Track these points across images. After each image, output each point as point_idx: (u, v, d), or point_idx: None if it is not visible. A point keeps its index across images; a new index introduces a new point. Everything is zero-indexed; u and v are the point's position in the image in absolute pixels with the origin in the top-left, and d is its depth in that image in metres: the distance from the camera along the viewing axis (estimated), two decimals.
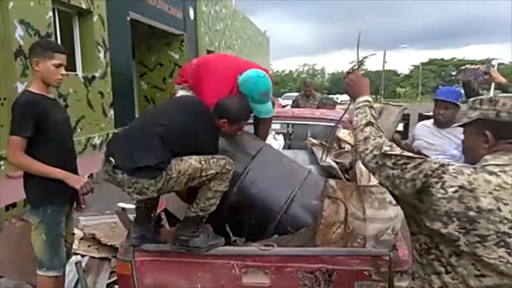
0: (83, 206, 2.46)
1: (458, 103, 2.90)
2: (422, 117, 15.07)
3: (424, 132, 3.09)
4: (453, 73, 68.19)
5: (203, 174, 1.96)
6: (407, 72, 72.83)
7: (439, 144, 2.96)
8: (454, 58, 68.72)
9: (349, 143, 3.13)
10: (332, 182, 1.96)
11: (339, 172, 2.59)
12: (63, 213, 2.30)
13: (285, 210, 2.18)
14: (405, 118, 15.43)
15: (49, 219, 2.20)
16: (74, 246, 3.06)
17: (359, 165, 2.57)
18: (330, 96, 17.19)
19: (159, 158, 1.89)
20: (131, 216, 2.46)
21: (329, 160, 2.68)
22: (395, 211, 1.91)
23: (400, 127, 14.78)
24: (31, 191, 2.22)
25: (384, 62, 52.13)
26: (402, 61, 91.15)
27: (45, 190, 2.18)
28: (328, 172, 2.69)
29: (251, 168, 2.25)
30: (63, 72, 2.23)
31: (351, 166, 2.74)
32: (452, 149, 2.90)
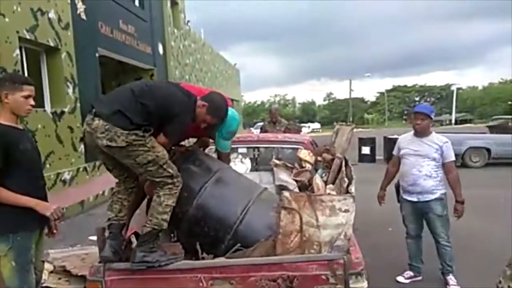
0: (54, 231, 2.52)
1: (431, 115, 3.49)
2: (387, 140, 15.65)
3: (407, 142, 3.62)
4: (417, 99, 71.56)
5: (164, 166, 2.16)
6: (373, 99, 75.71)
7: (423, 149, 3.48)
8: (416, 84, 72.32)
9: (309, 162, 3.36)
10: (286, 193, 2.14)
11: (296, 189, 2.80)
12: (33, 240, 2.34)
13: (240, 220, 2.35)
14: (371, 142, 15.93)
15: (19, 245, 2.23)
16: (44, 279, 3.05)
17: (316, 181, 2.79)
18: (302, 124, 17.76)
19: (138, 118, 2.10)
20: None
21: (286, 179, 2.89)
22: (345, 218, 2.10)
23: (367, 150, 15.25)
24: (0, 219, 2.24)
25: (351, 90, 54.20)
26: (368, 89, 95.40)
27: (14, 217, 2.22)
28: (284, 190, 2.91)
29: (210, 185, 2.44)
30: (32, 102, 2.33)
31: (310, 183, 2.95)
32: (433, 153, 3.45)
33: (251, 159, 4.17)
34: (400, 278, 3.74)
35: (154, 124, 2.17)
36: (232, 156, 4.07)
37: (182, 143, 2.78)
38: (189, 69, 21.06)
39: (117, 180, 2.41)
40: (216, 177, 2.49)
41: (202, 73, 24.36)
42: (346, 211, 2.11)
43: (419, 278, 3.73)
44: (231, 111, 2.60)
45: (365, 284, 2.13)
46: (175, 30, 18.82)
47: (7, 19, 7.29)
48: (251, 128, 31.94)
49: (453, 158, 3.51)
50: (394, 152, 3.74)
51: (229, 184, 2.56)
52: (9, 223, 2.24)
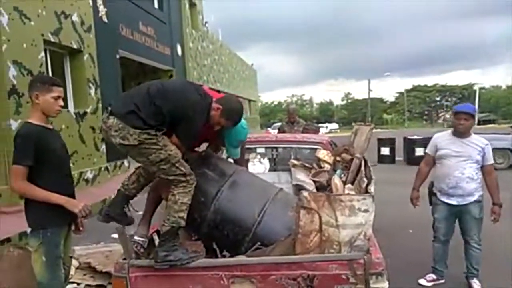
0: (81, 228, 2.61)
1: (474, 114, 3.37)
2: (407, 141, 15.44)
3: (447, 142, 3.48)
4: (438, 99, 70.10)
5: (177, 165, 2.20)
6: (392, 99, 74.48)
7: (466, 151, 3.36)
8: (437, 84, 70.73)
9: (327, 162, 3.37)
10: (305, 193, 2.16)
11: (313, 189, 2.82)
12: (62, 236, 2.43)
13: (258, 222, 2.38)
14: (391, 143, 15.69)
15: (49, 241, 2.33)
16: (71, 274, 3.15)
17: (335, 181, 2.79)
18: (320, 124, 17.70)
19: (151, 119, 2.16)
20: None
21: (304, 179, 2.91)
22: (364, 217, 2.11)
23: (387, 151, 15.04)
24: (32, 215, 2.36)
25: (370, 90, 53.46)
26: (387, 88, 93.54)
27: (45, 213, 2.32)
28: (302, 190, 2.93)
29: (225, 188, 2.48)
30: (61, 103, 2.44)
31: (328, 183, 2.96)
32: (476, 155, 3.34)
33: (269, 159, 4.20)
34: (422, 281, 3.70)
35: (167, 124, 2.23)
36: (251, 156, 4.11)
37: (197, 149, 2.83)
38: (207, 70, 21.25)
39: None
40: (231, 180, 2.53)
41: (220, 74, 24.54)
42: (366, 211, 2.12)
43: (442, 281, 3.68)
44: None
45: (386, 284, 2.13)
46: (193, 31, 19.04)
47: (32, 23, 7.54)
48: (268, 129, 31.94)
49: (493, 161, 3.43)
50: (429, 152, 3.60)
51: (244, 186, 2.60)
52: (39, 220, 2.34)
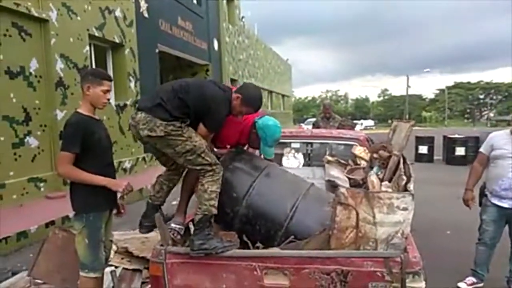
0: (122, 211, 2.74)
1: None
2: (447, 140, 14.82)
3: (504, 142, 3.32)
4: (481, 97, 66.81)
5: (202, 155, 2.28)
6: (432, 96, 71.80)
7: None
8: (481, 81, 67.36)
9: (364, 159, 3.31)
10: (343, 190, 2.14)
11: (347, 186, 2.79)
12: (103, 220, 2.56)
13: (291, 217, 2.39)
14: (430, 141, 15.18)
15: (91, 224, 2.46)
16: (111, 257, 3.30)
17: (371, 178, 2.75)
18: (355, 121, 17.33)
19: (176, 111, 2.26)
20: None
21: (338, 175, 2.88)
22: (403, 216, 2.06)
23: (425, 150, 14.57)
24: (76, 200, 2.50)
25: (408, 86, 51.72)
26: (426, 85, 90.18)
27: (88, 199, 2.46)
28: (335, 186, 2.90)
29: (258, 183, 2.50)
30: (109, 97, 2.58)
31: (363, 181, 2.91)
32: None
33: (304, 154, 4.18)
34: (461, 284, 3.56)
35: (192, 117, 2.33)
36: (285, 150, 4.11)
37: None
38: (242, 65, 21.36)
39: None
40: (263, 176, 2.55)
41: (254, 69, 24.59)
42: (405, 209, 2.07)
43: (481, 285, 3.54)
44: (272, 120, 2.69)
45: (423, 284, 2.08)
46: (230, 26, 19.16)
47: (78, 18, 7.88)
48: (301, 124, 31.74)
49: None
50: (484, 151, 3.46)
51: (276, 181, 2.61)
52: (83, 204, 2.48)
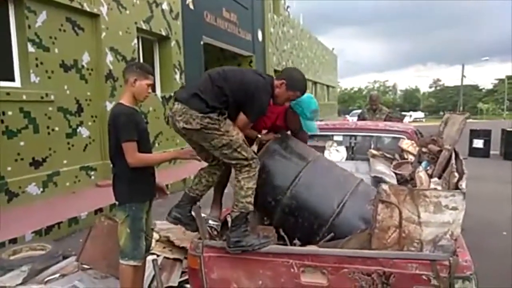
0: (167, 193, 2.86)
1: None
2: (506, 133, 13.83)
3: None
4: None
5: (239, 150, 2.22)
6: (490, 86, 67.08)
7: None
8: None
9: (412, 154, 3.12)
10: (385, 186, 2.01)
11: (394, 182, 2.63)
12: (144, 210, 2.62)
13: (337, 213, 2.28)
14: (486, 135, 14.27)
15: (133, 214, 2.53)
16: (152, 246, 3.38)
17: (419, 174, 2.57)
18: (404, 113, 16.52)
19: (214, 101, 2.20)
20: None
21: (384, 170, 2.72)
22: (452, 216, 1.91)
23: (480, 144, 13.73)
24: (120, 191, 2.57)
25: (463, 76, 48.68)
26: (484, 75, 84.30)
27: (130, 190, 2.53)
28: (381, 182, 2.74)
29: (305, 173, 2.40)
30: (150, 91, 2.63)
31: (411, 176, 2.74)
32: None
33: (347, 147, 4.04)
34: None
35: (231, 107, 2.25)
36: (327, 144, 3.98)
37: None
38: (286, 55, 21.12)
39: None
40: (310, 167, 2.44)
41: (298, 59, 24.24)
42: (454, 208, 1.91)
43: None
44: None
45: None
46: (275, 16, 18.96)
47: (127, 11, 8.12)
48: (347, 116, 30.91)
49: None
50: None
51: (324, 174, 2.50)
52: (125, 195, 2.54)
